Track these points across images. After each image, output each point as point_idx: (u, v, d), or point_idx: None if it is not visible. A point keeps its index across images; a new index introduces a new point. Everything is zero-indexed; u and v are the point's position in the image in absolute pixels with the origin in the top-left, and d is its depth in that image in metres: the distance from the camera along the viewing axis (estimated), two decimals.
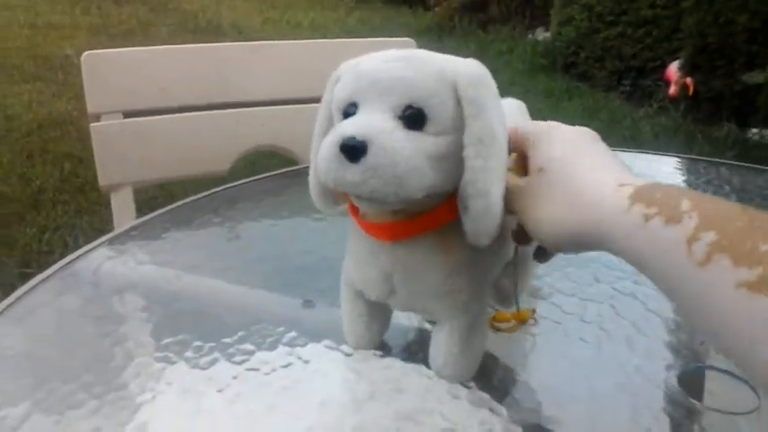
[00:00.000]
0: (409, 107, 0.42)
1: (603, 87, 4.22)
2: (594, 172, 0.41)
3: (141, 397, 0.49)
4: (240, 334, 0.56)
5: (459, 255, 0.48)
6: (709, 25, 3.55)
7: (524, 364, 0.55)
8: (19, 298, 0.61)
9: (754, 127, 3.36)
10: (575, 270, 0.68)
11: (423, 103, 0.42)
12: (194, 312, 0.60)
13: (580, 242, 0.41)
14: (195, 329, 0.57)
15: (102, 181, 0.94)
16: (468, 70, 0.44)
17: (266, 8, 6.84)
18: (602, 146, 0.44)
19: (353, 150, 0.40)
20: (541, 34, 5.11)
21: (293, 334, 0.57)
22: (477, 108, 0.43)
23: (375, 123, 0.41)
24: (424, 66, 0.43)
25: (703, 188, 0.91)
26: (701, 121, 3.61)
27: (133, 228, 0.76)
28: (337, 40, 1.09)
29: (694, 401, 0.50)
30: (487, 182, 0.43)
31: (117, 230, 0.77)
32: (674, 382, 0.52)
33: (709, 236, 0.33)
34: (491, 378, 0.52)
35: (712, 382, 0.53)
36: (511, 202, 0.45)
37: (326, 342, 0.56)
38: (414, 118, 0.42)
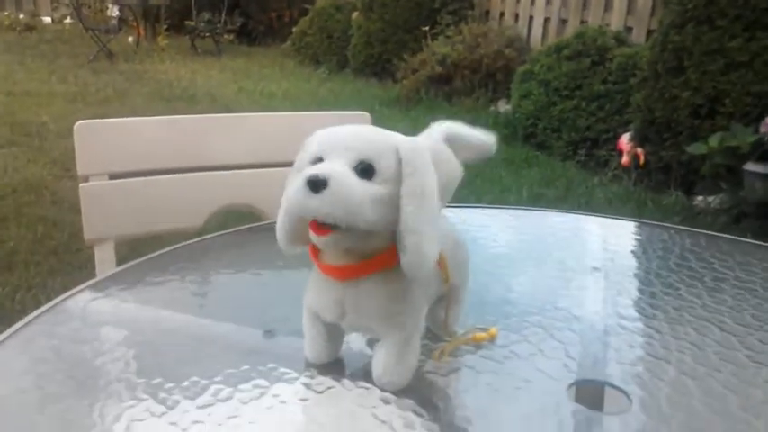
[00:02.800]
0: (362, 162, 0.56)
1: (561, 157, 4.45)
2: None
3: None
4: (206, 364, 0.67)
5: (396, 286, 0.61)
6: (655, 100, 3.81)
7: (446, 380, 0.66)
8: None
9: (700, 195, 3.57)
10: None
11: (372, 159, 0.56)
12: (168, 349, 0.71)
13: None
14: (169, 367, 0.68)
15: (88, 235, 1.05)
16: (408, 141, 0.59)
17: (240, 78, 7.06)
18: None
19: (316, 183, 0.53)
20: (503, 106, 5.37)
21: (256, 359, 0.68)
22: (413, 168, 0.57)
23: (334, 167, 0.55)
24: (376, 134, 0.59)
25: (652, 249, 1.05)
26: (652, 189, 3.83)
27: (118, 272, 0.87)
28: (301, 113, 1.24)
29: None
30: (418, 222, 0.56)
31: (99, 276, 0.87)
32: (571, 397, 0.64)
33: None
34: (414, 391, 0.63)
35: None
36: None
37: (284, 369, 0.67)
38: (365, 170, 0.56)
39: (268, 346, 0.71)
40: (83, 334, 0.72)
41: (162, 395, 0.61)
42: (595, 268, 0.94)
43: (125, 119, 1.09)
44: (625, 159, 4.01)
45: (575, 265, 0.95)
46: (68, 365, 0.66)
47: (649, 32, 4.85)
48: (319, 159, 0.57)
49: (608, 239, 1.07)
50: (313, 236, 0.57)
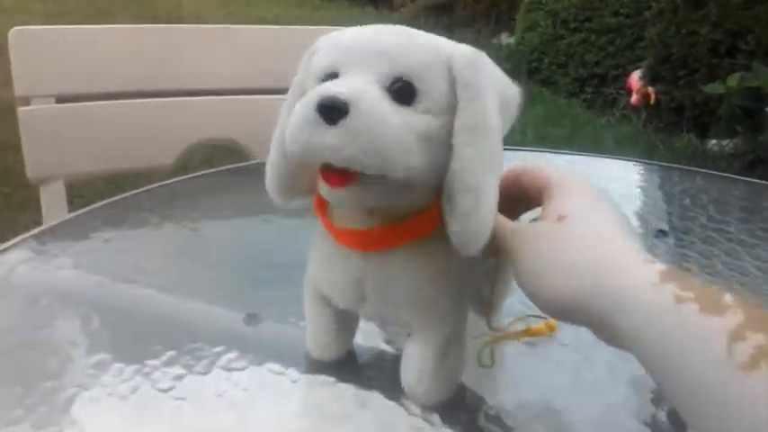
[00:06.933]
0: (399, 80, 0.37)
1: (566, 94, 4.25)
2: (616, 235, 0.36)
3: None
4: (169, 354, 0.49)
5: (438, 261, 0.42)
6: (672, 35, 3.59)
7: (495, 392, 0.48)
8: None
9: (714, 138, 3.39)
10: None
11: (414, 76, 0.37)
12: (116, 327, 0.52)
13: (580, 307, 0.35)
14: (115, 348, 0.49)
15: (31, 173, 0.85)
16: (466, 52, 0.39)
17: (229, 2, 6.76)
18: (618, 209, 0.39)
19: (333, 109, 0.34)
20: (506, 39, 5.16)
21: (232, 355, 0.49)
22: (474, 92, 0.38)
23: (359, 85, 0.36)
24: (418, 39, 0.39)
25: (677, 196, 0.87)
26: (662, 131, 3.64)
27: (59, 225, 0.68)
28: (297, 26, 1.02)
29: None
30: (478, 175, 0.37)
31: (40, 227, 0.68)
32: (663, 417, 0.46)
33: (758, 338, 0.28)
34: (458, 411, 0.45)
35: None
36: (504, 247, 0.39)
37: (270, 365, 0.48)
38: (403, 92, 0.37)
39: (249, 334, 0.52)
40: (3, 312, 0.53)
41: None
42: (661, 231, 0.75)
43: (76, 26, 0.87)
44: (634, 98, 3.82)
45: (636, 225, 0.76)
46: None
47: None
48: (333, 75, 0.38)
49: (671, 191, 0.88)
50: (323, 187, 0.38)
